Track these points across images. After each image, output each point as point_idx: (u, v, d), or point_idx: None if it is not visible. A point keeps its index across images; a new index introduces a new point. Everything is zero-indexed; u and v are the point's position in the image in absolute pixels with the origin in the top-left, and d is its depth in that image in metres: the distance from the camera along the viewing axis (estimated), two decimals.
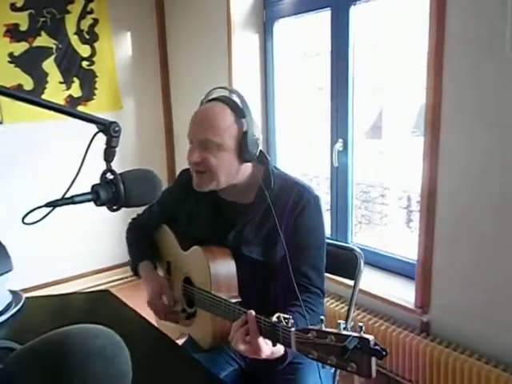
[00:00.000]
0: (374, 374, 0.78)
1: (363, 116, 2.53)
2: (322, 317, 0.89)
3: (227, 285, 1.27)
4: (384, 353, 0.77)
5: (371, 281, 2.25)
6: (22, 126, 2.94)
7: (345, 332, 0.82)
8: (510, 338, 1.80)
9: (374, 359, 0.78)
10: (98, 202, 0.87)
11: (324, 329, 0.86)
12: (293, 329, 0.92)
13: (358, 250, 1.54)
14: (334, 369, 0.86)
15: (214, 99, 1.29)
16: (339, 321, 0.85)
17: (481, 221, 1.82)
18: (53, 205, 0.84)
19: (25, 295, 1.47)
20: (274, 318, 0.98)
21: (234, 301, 1.19)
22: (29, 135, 3.01)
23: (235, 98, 1.29)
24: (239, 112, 1.25)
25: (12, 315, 1.37)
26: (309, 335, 0.87)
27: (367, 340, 0.79)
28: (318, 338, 0.85)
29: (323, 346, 0.84)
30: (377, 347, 0.78)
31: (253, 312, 1.03)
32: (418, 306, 2.06)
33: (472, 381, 1.82)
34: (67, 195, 0.85)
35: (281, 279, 1.27)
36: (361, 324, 0.82)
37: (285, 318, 0.96)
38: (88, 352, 0.56)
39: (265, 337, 1.00)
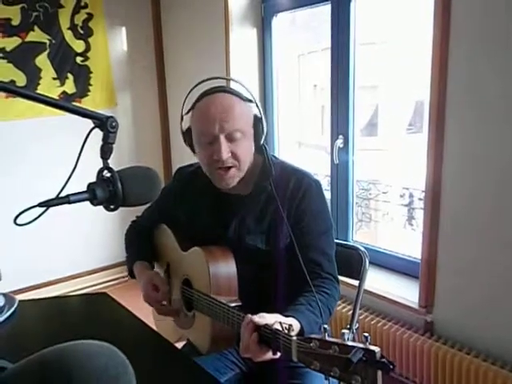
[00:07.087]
0: None
1: (359, 114, 2.50)
2: (326, 325, 0.84)
3: (227, 287, 1.22)
4: (391, 366, 0.72)
5: (373, 280, 2.20)
6: (11, 123, 2.86)
7: (349, 343, 0.77)
8: None
9: (380, 373, 0.73)
10: (95, 201, 0.83)
11: (327, 338, 0.81)
12: (294, 337, 0.87)
13: (362, 248, 1.50)
14: None
15: (212, 92, 1.23)
16: (343, 330, 0.81)
17: (486, 218, 1.78)
18: (46, 205, 0.80)
19: (17, 297, 1.42)
20: (276, 326, 0.93)
21: (233, 304, 1.14)
22: (19, 133, 2.93)
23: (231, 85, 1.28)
24: (244, 97, 1.24)
25: (5, 320, 1.32)
26: (311, 344, 0.82)
27: (373, 352, 0.74)
28: (321, 348, 0.81)
29: (326, 356, 0.79)
30: (383, 360, 0.73)
31: (250, 317, 0.98)
32: (422, 305, 2.02)
33: (478, 382, 1.78)
34: (62, 194, 0.81)
35: (284, 271, 1.22)
36: (366, 334, 0.77)
37: (285, 325, 0.91)
38: (89, 373, 0.51)
39: (265, 344, 0.95)
